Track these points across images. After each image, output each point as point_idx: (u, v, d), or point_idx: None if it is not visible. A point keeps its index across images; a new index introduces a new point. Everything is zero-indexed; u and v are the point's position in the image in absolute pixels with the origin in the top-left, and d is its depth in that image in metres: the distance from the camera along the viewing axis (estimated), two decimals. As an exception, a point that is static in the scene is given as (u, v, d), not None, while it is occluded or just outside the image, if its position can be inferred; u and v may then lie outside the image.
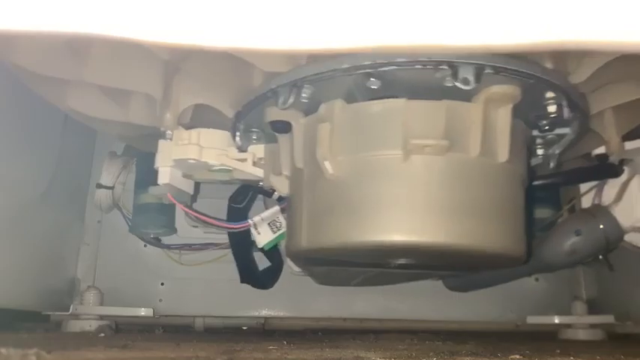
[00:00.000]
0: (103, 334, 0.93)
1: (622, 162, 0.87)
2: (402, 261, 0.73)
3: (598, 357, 0.58)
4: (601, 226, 0.84)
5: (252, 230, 0.90)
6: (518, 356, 0.58)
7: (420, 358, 0.53)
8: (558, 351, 0.66)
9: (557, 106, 0.66)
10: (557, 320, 1.06)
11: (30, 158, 0.93)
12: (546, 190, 1.01)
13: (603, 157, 0.85)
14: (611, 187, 0.88)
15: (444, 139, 0.62)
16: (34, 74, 0.73)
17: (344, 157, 0.66)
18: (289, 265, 1.01)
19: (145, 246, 1.17)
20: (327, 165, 0.66)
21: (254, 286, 1.10)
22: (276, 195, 0.86)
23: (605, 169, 0.86)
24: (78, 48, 0.70)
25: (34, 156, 0.94)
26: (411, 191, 0.62)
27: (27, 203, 0.93)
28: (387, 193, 0.63)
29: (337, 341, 0.79)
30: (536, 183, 0.87)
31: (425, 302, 1.18)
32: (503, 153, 0.65)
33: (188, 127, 0.84)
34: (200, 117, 0.83)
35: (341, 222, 0.64)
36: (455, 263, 0.74)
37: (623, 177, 0.87)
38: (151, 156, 0.87)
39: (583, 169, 0.87)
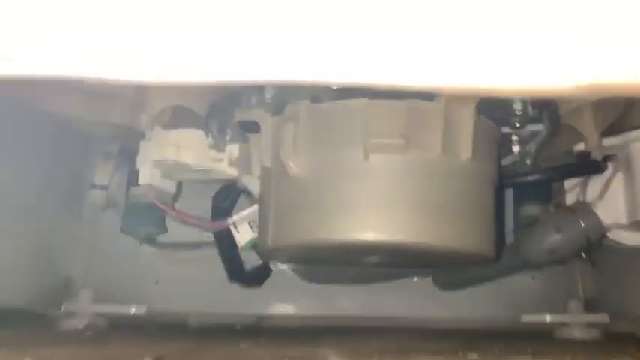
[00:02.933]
0: (88, 333, 0.95)
1: (606, 158, 0.85)
2: (368, 259, 0.73)
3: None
4: (582, 224, 0.82)
5: (232, 229, 0.91)
6: (476, 355, 0.57)
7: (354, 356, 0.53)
8: (530, 350, 0.65)
9: (522, 103, 0.65)
10: (548, 319, 1.04)
11: (18, 159, 0.95)
12: (535, 187, 0.99)
13: (585, 154, 0.83)
14: (596, 183, 0.86)
15: (403, 138, 0.62)
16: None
17: (307, 156, 0.66)
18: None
19: (140, 244, 1.19)
20: (291, 164, 0.66)
21: (242, 284, 1.10)
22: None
23: (587, 166, 0.84)
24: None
25: (22, 157, 0.97)
26: (370, 190, 0.62)
27: (17, 203, 0.96)
28: (347, 192, 0.63)
29: (310, 339, 0.79)
30: (517, 180, 0.86)
31: (420, 300, 1.17)
32: (466, 151, 0.64)
33: (170, 128, 0.86)
34: (182, 118, 0.85)
35: (303, 220, 0.65)
36: (422, 261, 0.73)
37: (607, 174, 0.85)
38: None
39: (565, 166, 0.86)
